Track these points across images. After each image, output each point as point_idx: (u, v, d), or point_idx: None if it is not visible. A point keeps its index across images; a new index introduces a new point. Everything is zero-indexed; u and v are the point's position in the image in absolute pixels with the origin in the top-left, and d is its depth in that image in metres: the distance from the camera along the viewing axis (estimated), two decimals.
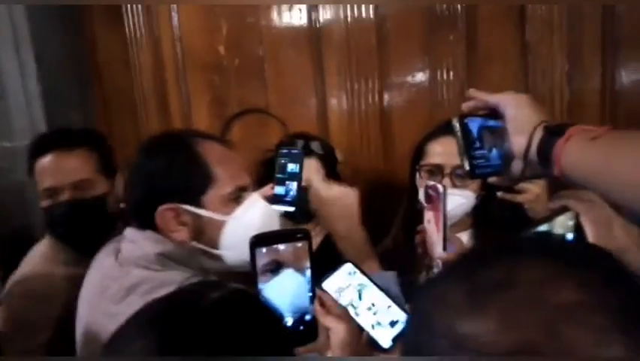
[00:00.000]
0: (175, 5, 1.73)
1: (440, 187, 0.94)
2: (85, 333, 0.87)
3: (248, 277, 0.71)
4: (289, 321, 0.73)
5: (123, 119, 1.82)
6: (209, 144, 0.90)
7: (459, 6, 1.47)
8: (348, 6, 1.58)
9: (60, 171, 1.23)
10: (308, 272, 0.73)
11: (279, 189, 1.05)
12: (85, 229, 1.23)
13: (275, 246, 0.70)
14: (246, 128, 1.75)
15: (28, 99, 1.65)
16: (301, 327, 0.73)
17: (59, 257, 1.24)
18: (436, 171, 1.18)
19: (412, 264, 1.17)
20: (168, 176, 0.86)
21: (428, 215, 0.99)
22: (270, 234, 0.74)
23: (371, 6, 1.56)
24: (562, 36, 1.40)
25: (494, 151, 0.74)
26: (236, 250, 0.87)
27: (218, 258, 0.89)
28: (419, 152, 1.23)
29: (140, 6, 1.76)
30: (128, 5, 1.75)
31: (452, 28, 1.49)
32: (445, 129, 1.18)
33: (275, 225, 0.93)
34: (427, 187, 0.98)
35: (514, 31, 1.44)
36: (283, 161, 1.09)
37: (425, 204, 1.00)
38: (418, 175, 1.23)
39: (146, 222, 0.86)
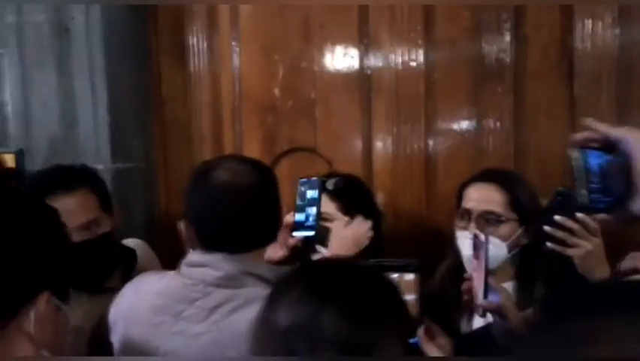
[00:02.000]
0: (236, 47, 1.87)
1: (482, 236, 0.97)
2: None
3: None
4: None
5: (179, 151, 1.93)
6: None
7: (507, 59, 1.52)
8: (399, 54, 1.66)
9: (65, 214, 1.25)
10: None
11: (300, 216, 1.13)
12: (96, 268, 1.24)
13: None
14: (293, 166, 1.82)
15: (97, 127, 1.79)
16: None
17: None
18: (465, 215, 1.21)
19: (456, 309, 1.18)
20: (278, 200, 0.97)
21: (474, 263, 1.02)
22: (383, 262, 0.85)
23: (421, 54, 1.63)
24: (610, 92, 1.41)
25: (611, 186, 0.73)
26: None
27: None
28: (458, 198, 1.26)
29: (203, 45, 1.90)
30: (193, 44, 1.90)
31: (500, 80, 1.53)
32: (481, 176, 1.22)
33: None
34: (473, 236, 1.01)
35: (562, 85, 1.47)
36: (303, 189, 1.18)
37: (472, 252, 1.03)
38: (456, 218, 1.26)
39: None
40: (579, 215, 1.02)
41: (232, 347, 0.83)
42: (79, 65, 1.78)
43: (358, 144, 1.75)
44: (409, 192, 1.68)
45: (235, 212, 0.91)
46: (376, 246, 1.32)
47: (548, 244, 1.06)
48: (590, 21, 1.42)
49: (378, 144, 1.73)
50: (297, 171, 1.81)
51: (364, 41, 1.71)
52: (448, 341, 0.83)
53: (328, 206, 1.32)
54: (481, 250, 0.96)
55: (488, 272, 0.96)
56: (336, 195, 1.33)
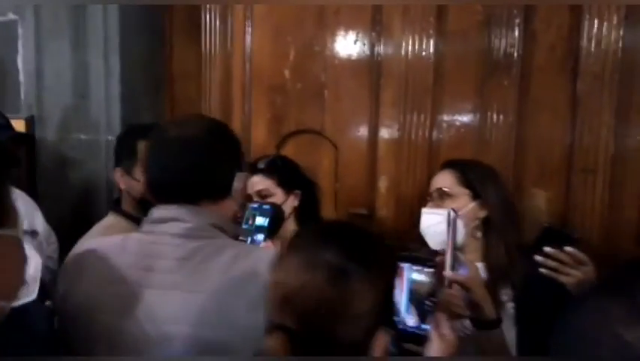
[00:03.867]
0: (249, 27, 1.90)
1: (452, 212, 1.05)
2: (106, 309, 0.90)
3: None
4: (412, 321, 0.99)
5: None
6: None
7: (515, 54, 1.57)
8: (410, 43, 1.70)
9: None
10: None
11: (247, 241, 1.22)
12: None
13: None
14: (299, 147, 1.87)
15: (109, 99, 1.82)
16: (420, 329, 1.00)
17: (125, 228, 1.34)
18: (428, 197, 1.37)
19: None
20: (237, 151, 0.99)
21: (447, 238, 1.08)
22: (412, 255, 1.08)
23: (431, 45, 1.67)
24: (612, 92, 1.47)
25: None
26: None
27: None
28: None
29: (217, 24, 1.93)
30: (207, 22, 1.93)
31: (507, 75, 1.58)
32: (442, 165, 1.40)
33: None
34: (447, 214, 1.07)
35: (566, 82, 1.52)
36: (252, 213, 1.26)
37: (446, 228, 1.08)
38: None
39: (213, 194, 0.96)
40: (567, 248, 1.10)
41: (206, 296, 0.86)
42: (94, 36, 1.81)
43: (364, 128, 1.80)
44: (412, 178, 1.74)
45: (181, 162, 0.92)
46: (312, 212, 1.50)
47: (542, 270, 1.12)
48: (597, 21, 1.47)
49: (384, 130, 1.78)
50: (303, 153, 1.85)
51: (377, 29, 1.75)
52: (452, 333, 0.90)
53: (265, 183, 1.45)
54: (451, 225, 1.05)
55: (456, 247, 1.05)
56: (269, 173, 1.46)
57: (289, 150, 1.87)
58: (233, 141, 0.99)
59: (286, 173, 1.48)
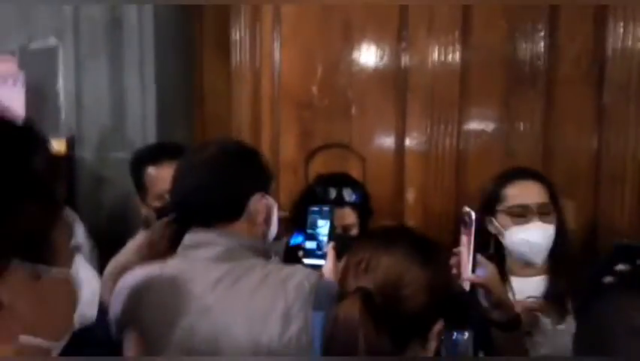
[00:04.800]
0: (277, 44, 1.96)
1: (473, 213, 1.04)
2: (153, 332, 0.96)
3: None
4: None
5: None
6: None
7: (540, 65, 1.60)
8: (436, 56, 1.74)
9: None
10: None
11: (310, 244, 1.22)
12: None
13: None
14: (327, 161, 1.91)
15: (144, 118, 1.90)
16: None
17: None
18: (524, 211, 1.30)
19: None
20: (254, 172, 1.02)
21: (463, 239, 1.07)
22: None
23: (457, 57, 1.71)
24: (638, 101, 1.48)
25: None
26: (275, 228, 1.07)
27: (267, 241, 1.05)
28: (495, 197, 1.34)
29: (246, 42, 1.99)
30: (236, 40, 1.99)
31: (532, 86, 1.61)
32: (518, 174, 1.35)
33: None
34: (463, 213, 1.07)
35: (591, 93, 1.54)
36: (314, 217, 1.27)
37: (462, 229, 1.08)
38: (494, 219, 1.33)
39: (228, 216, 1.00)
40: None
41: (239, 315, 0.90)
42: (129, 57, 1.89)
43: (391, 141, 1.84)
44: (440, 189, 1.77)
45: (193, 185, 0.98)
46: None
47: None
48: (622, 32, 1.50)
49: (411, 142, 1.81)
50: (331, 166, 1.90)
51: (402, 44, 1.79)
52: None
53: (352, 217, 1.45)
54: (471, 226, 1.03)
55: (476, 248, 1.04)
56: (355, 207, 1.46)
57: (318, 164, 1.92)
58: (249, 162, 1.02)
59: (367, 204, 1.51)
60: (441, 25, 1.73)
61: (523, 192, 1.31)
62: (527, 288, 1.27)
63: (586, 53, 1.54)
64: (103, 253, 1.58)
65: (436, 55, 1.74)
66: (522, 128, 1.63)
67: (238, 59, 2.01)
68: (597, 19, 1.53)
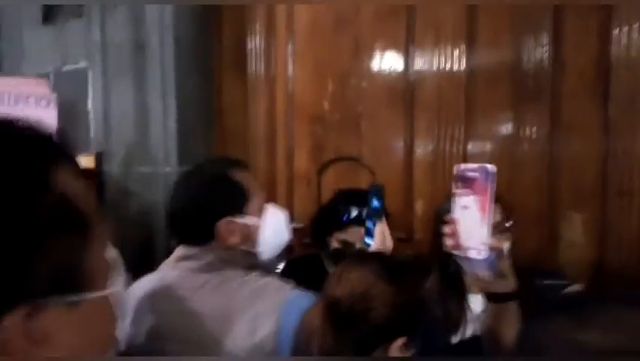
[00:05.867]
0: (291, 61, 2.03)
1: (491, 167, 0.86)
2: (151, 332, 1.05)
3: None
4: None
5: (236, 157, 2.12)
6: (238, 170, 1.13)
7: (545, 79, 1.60)
8: (441, 70, 1.77)
9: None
10: None
11: (368, 223, 1.26)
12: None
13: None
14: (339, 174, 1.97)
15: (166, 134, 2.01)
16: None
17: None
18: None
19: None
20: (221, 198, 1.08)
21: (464, 201, 0.89)
22: None
23: (463, 72, 1.73)
24: None
25: None
26: (268, 246, 1.11)
27: (254, 256, 1.11)
28: None
29: (261, 60, 2.08)
30: (252, 58, 2.08)
31: (537, 98, 1.62)
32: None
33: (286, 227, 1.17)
34: (463, 170, 0.90)
35: (597, 106, 1.53)
36: (370, 197, 1.29)
37: (458, 189, 0.91)
38: None
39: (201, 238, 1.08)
40: None
41: (211, 319, 0.99)
42: (152, 78, 2.01)
43: (400, 154, 1.88)
44: (448, 201, 1.79)
45: (172, 209, 1.10)
46: None
47: None
48: (626, 43, 1.48)
49: (419, 155, 1.85)
50: (342, 179, 1.96)
51: (409, 58, 1.83)
52: None
53: None
54: (488, 183, 0.86)
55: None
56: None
57: (329, 177, 1.98)
58: (216, 189, 1.08)
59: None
60: (447, 39, 1.76)
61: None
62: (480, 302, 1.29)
63: (591, 67, 1.53)
64: (127, 264, 1.69)
65: (442, 68, 1.77)
66: (528, 140, 1.63)
67: (254, 74, 2.10)
68: (601, 31, 1.52)
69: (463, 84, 1.74)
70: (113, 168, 2.07)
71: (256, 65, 2.10)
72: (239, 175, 1.10)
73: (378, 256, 0.90)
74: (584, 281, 1.53)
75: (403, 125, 1.86)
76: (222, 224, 1.05)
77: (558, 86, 1.59)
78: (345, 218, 1.53)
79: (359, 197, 1.57)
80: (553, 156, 1.60)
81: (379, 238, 1.21)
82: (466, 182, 0.89)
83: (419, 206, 1.86)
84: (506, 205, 1.37)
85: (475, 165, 0.89)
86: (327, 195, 1.88)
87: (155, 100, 2.02)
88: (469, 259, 0.89)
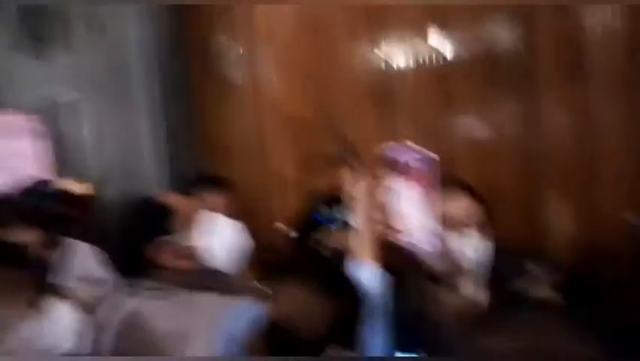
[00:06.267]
0: (270, 66, 2.04)
1: (434, 156, 0.82)
2: None
3: None
4: None
5: (227, 169, 2.14)
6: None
7: (518, 65, 1.57)
8: (413, 62, 1.75)
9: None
10: None
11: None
12: None
13: None
14: (328, 176, 1.96)
15: (157, 154, 2.05)
16: None
17: None
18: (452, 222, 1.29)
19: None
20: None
21: (406, 188, 0.85)
22: None
23: (436, 66, 1.71)
24: (621, 93, 1.42)
25: None
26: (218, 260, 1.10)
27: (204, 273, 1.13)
28: None
29: (242, 73, 2.10)
30: (231, 72, 2.11)
31: (512, 85, 1.59)
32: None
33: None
34: (392, 151, 0.85)
35: (571, 88, 1.49)
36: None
37: (390, 173, 0.86)
38: None
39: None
40: None
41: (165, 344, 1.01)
42: (138, 104, 2.06)
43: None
44: None
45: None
46: None
47: None
48: (598, 25, 1.44)
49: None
50: (332, 182, 1.95)
51: (383, 55, 1.82)
52: None
53: None
54: (431, 173, 0.80)
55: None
56: None
57: (318, 180, 1.98)
58: (142, 222, 1.12)
59: None
60: (419, 33, 1.74)
61: (453, 204, 1.29)
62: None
63: (563, 48, 1.49)
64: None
65: (413, 61, 1.76)
66: (504, 128, 1.60)
67: (234, 84, 2.12)
68: (572, 15, 1.48)
69: (438, 77, 1.73)
70: (109, 194, 2.13)
71: (237, 77, 2.12)
72: (166, 197, 1.15)
73: (315, 269, 0.89)
74: (568, 261, 1.49)
75: (383, 117, 1.85)
76: (152, 248, 1.07)
77: (533, 71, 1.55)
78: (318, 218, 1.54)
79: (332, 200, 1.58)
80: (530, 143, 1.56)
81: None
82: (405, 168, 0.87)
83: None
84: (482, 195, 1.36)
85: (415, 149, 0.87)
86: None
87: (145, 124, 2.07)
88: (414, 245, 0.90)
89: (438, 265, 0.96)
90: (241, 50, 2.09)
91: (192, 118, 2.16)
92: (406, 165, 0.86)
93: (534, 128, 1.57)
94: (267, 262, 1.92)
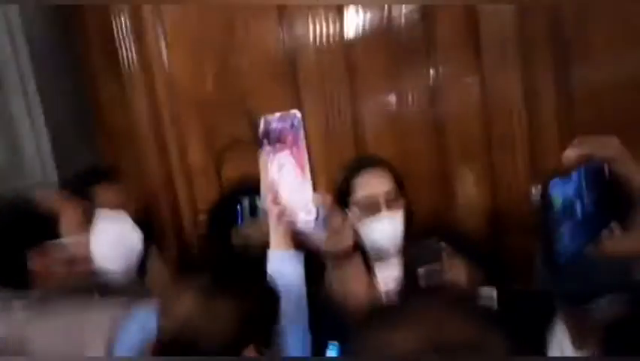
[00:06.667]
0: (164, 48, 1.87)
1: (297, 113, 0.75)
2: None
3: None
4: None
5: (126, 157, 1.97)
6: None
7: (419, 35, 1.53)
8: (319, 33, 1.67)
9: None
10: None
11: None
12: None
13: None
14: (236, 160, 1.86)
15: (40, 148, 1.83)
16: None
17: None
18: (372, 202, 1.25)
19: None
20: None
21: (279, 158, 0.79)
22: None
23: (340, 39, 1.64)
24: (515, 66, 1.44)
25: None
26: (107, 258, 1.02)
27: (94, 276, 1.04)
28: (345, 189, 1.29)
29: (132, 46, 1.90)
30: (123, 50, 1.90)
31: (415, 54, 1.55)
32: (363, 164, 1.30)
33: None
34: (266, 123, 0.76)
35: (470, 58, 1.48)
36: None
37: (267, 146, 0.78)
38: (349, 212, 1.28)
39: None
40: None
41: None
42: (14, 90, 1.81)
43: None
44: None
45: None
46: None
47: None
48: None
49: (312, 126, 1.75)
50: (241, 166, 1.84)
51: (285, 29, 1.72)
52: None
53: None
54: (299, 132, 0.73)
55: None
56: None
57: (228, 165, 1.87)
58: (19, 229, 1.02)
59: None
60: (319, 6, 1.65)
61: (370, 182, 1.26)
62: (389, 273, 1.25)
63: (460, 16, 1.47)
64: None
65: (319, 35, 1.67)
66: (411, 99, 1.58)
67: (127, 64, 1.92)
68: None
69: (342, 50, 1.65)
70: None
71: (128, 54, 1.92)
72: (44, 198, 1.04)
73: (225, 266, 0.83)
74: (482, 232, 1.53)
75: (290, 96, 1.76)
76: (33, 255, 0.98)
77: (432, 40, 1.52)
78: (239, 212, 1.45)
79: (252, 188, 1.49)
80: (436, 112, 1.55)
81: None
82: (274, 135, 0.78)
83: (320, 180, 1.79)
84: (398, 171, 1.33)
85: (277, 115, 0.77)
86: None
87: (20, 110, 1.83)
88: (300, 223, 0.81)
89: (330, 245, 0.88)
90: (135, 28, 1.89)
91: (81, 105, 1.94)
92: (279, 130, 0.78)
93: (438, 100, 1.55)
94: (174, 260, 1.83)
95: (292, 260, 0.96)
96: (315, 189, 1.73)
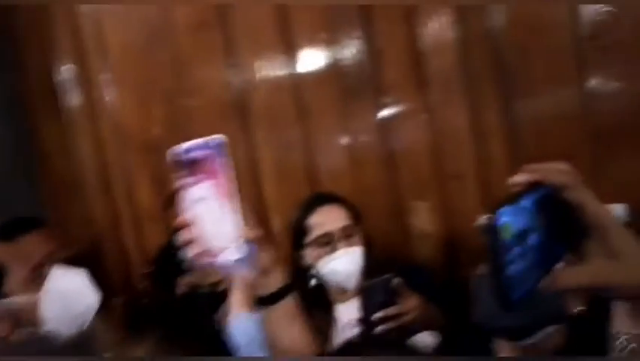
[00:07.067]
0: (109, 89, 1.82)
1: (222, 138, 0.70)
2: None
3: None
4: None
5: (71, 204, 1.88)
6: None
7: (366, 73, 1.56)
8: (267, 79, 1.67)
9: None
10: None
11: None
12: None
13: None
14: None
15: None
16: None
17: None
18: (329, 239, 1.26)
19: None
20: None
21: (197, 191, 0.70)
22: None
23: (287, 78, 1.65)
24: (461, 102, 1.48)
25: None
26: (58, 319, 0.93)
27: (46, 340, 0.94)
28: (300, 230, 1.30)
29: (78, 94, 1.84)
30: (65, 93, 1.84)
31: (362, 93, 1.58)
32: (317, 201, 1.31)
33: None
34: (182, 152, 0.70)
35: (416, 93, 1.53)
36: None
37: (185, 178, 0.70)
38: (305, 253, 1.30)
39: None
40: None
41: None
42: None
43: (244, 170, 1.76)
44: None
45: None
46: None
47: None
48: (434, 29, 1.48)
49: (265, 166, 1.74)
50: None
51: (232, 69, 1.71)
52: None
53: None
54: (221, 159, 0.68)
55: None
56: None
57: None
58: None
59: None
60: (267, 44, 1.66)
61: (326, 219, 1.27)
62: (349, 312, 1.23)
63: (404, 53, 1.52)
64: None
65: (268, 75, 1.68)
66: (362, 137, 1.59)
67: (71, 109, 1.86)
68: (410, 18, 1.51)
69: (291, 89, 1.66)
70: None
71: (71, 99, 1.86)
72: None
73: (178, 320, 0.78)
74: (438, 265, 1.53)
75: (242, 137, 1.74)
76: None
77: (379, 78, 1.55)
78: (182, 260, 1.39)
79: None
80: (388, 150, 1.58)
81: None
82: (193, 166, 0.70)
83: (276, 222, 1.76)
84: (353, 206, 1.33)
85: (197, 142, 0.70)
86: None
87: None
88: (225, 263, 0.69)
89: (259, 286, 0.78)
90: (79, 72, 1.83)
91: (21, 147, 1.85)
92: (198, 160, 0.69)
93: (389, 136, 1.57)
94: (121, 311, 1.72)
95: (254, 322, 0.92)
96: (270, 229, 1.74)
